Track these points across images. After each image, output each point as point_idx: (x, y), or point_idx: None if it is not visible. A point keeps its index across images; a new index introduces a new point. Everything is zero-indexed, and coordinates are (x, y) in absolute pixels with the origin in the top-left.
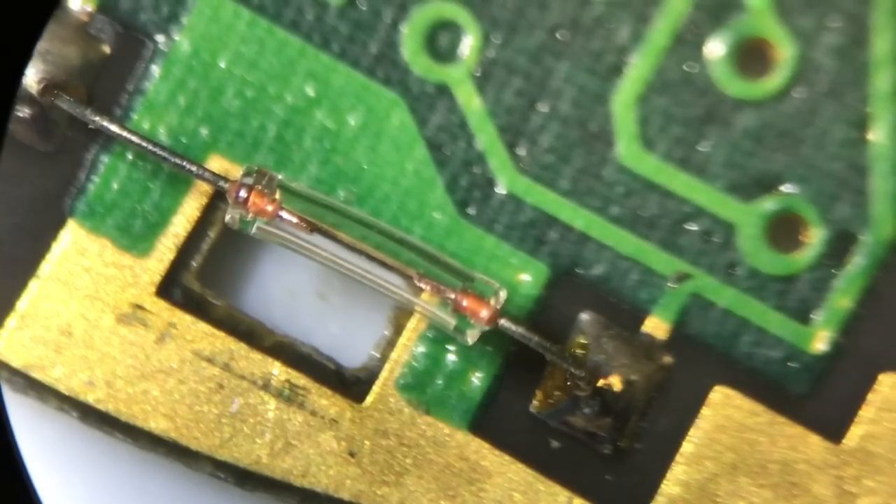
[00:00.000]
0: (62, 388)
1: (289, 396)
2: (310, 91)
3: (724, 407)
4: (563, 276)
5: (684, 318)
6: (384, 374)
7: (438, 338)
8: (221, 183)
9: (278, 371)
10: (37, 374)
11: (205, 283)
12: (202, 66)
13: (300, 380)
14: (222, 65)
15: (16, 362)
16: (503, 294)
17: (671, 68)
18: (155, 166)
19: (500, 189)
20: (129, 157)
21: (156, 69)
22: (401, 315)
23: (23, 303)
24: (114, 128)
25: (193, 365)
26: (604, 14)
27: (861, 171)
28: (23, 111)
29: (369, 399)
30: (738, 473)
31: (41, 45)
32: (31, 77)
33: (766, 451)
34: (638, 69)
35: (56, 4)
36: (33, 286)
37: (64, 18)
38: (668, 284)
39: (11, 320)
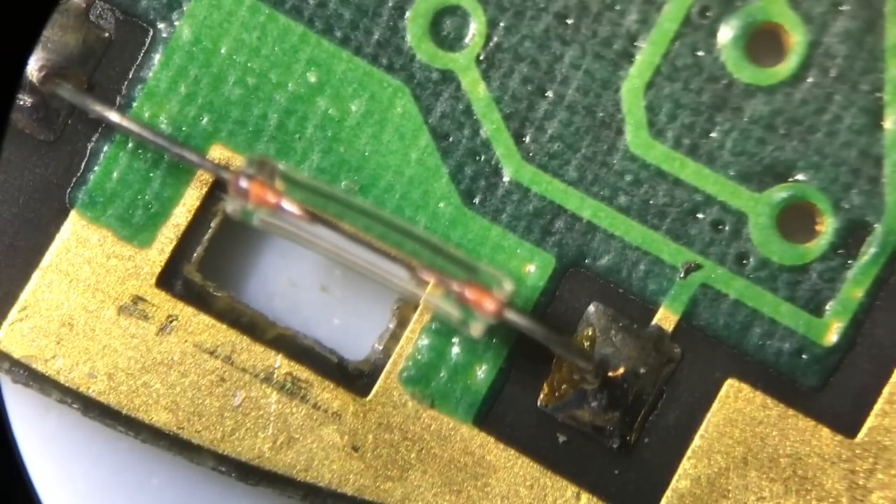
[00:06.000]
0: (63, 380)
1: (291, 390)
2: (312, 78)
3: (734, 400)
4: (570, 267)
5: (694, 310)
6: (388, 367)
7: (443, 330)
8: (223, 173)
9: (280, 364)
10: (38, 366)
11: (206, 274)
12: (203, 54)
13: (302, 373)
14: (224, 52)
15: (17, 353)
16: (509, 286)
17: (681, 54)
18: (156, 156)
19: (506, 178)
20: (130, 146)
21: (157, 57)
22: (405, 307)
23: (24, 294)
24: (114, 117)
25: (195, 357)
26: None
27: (874, 159)
28: (23, 99)
29: (372, 392)
30: (748, 468)
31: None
32: (32, 65)
33: (776, 444)
34: (647, 55)
35: None
36: (34, 277)
37: (64, 5)
38: (678, 276)
39: (13, 311)
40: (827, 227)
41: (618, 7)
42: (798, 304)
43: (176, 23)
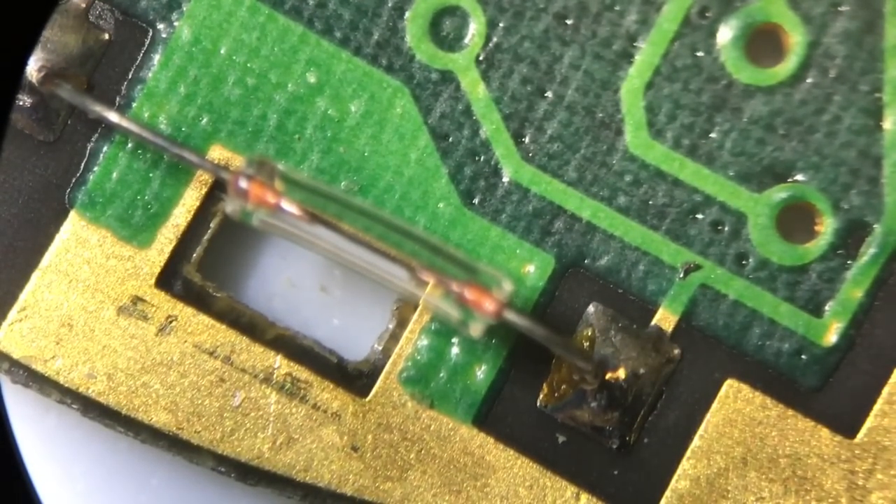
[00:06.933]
0: (63, 381)
1: (290, 390)
2: (311, 79)
3: (733, 400)
4: (569, 268)
5: (693, 310)
6: (387, 367)
7: (442, 331)
8: (222, 173)
9: (280, 364)
10: (37, 366)
11: (205, 274)
12: (203, 54)
13: (302, 373)
14: (223, 52)
15: (16, 354)
16: (508, 286)
17: (680, 54)
18: (155, 156)
19: (506, 178)
20: (130, 146)
21: (156, 57)
22: (404, 308)
23: (23, 294)
24: (114, 117)
25: (194, 358)
26: None
27: (874, 160)
28: (23, 99)
29: (372, 393)
30: (747, 468)
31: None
32: (32, 65)
33: (776, 445)
34: (646, 55)
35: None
36: (34, 277)
37: (64, 5)
38: (678, 276)
39: (12, 311)
40: (826, 227)
41: (617, 7)
42: (797, 305)
43: (175, 23)
